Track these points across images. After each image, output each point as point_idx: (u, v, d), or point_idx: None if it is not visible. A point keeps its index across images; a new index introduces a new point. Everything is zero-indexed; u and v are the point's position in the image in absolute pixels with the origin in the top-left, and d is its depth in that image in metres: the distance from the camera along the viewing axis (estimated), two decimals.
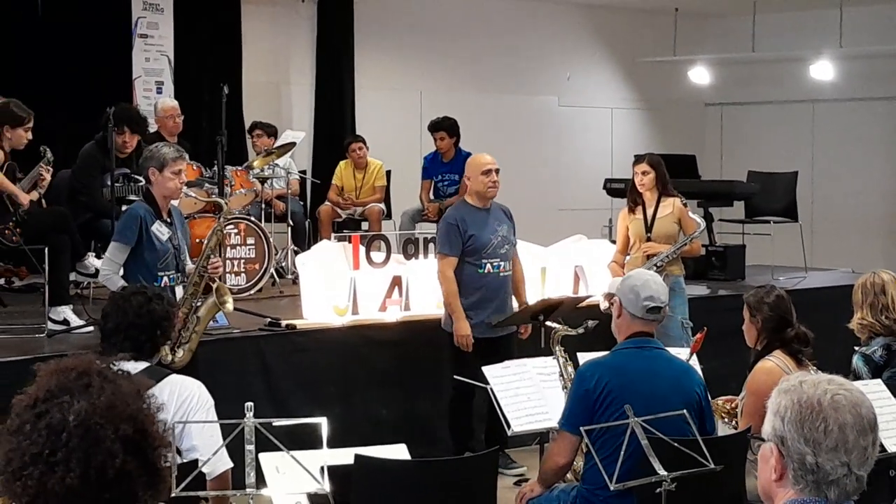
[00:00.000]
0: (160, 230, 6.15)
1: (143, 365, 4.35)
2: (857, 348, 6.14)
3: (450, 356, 7.17)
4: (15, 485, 2.17)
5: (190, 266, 6.37)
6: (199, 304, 6.18)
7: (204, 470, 3.99)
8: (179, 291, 6.22)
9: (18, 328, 7.18)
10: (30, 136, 7.26)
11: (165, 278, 6.16)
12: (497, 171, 7.19)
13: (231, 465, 4.26)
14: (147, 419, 2.26)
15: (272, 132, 10.94)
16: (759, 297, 5.57)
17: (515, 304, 7.35)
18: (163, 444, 2.27)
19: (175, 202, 6.55)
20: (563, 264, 8.64)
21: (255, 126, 10.98)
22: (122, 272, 6.11)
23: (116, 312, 4.47)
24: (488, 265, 7.14)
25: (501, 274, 7.19)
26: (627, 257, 8.07)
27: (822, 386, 2.36)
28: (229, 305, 6.28)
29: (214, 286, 6.24)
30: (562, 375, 5.80)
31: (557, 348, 5.92)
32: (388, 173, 11.13)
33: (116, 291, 4.93)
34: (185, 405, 4.30)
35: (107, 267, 6.10)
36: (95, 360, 2.32)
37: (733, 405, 5.72)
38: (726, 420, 5.64)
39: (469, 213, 7.20)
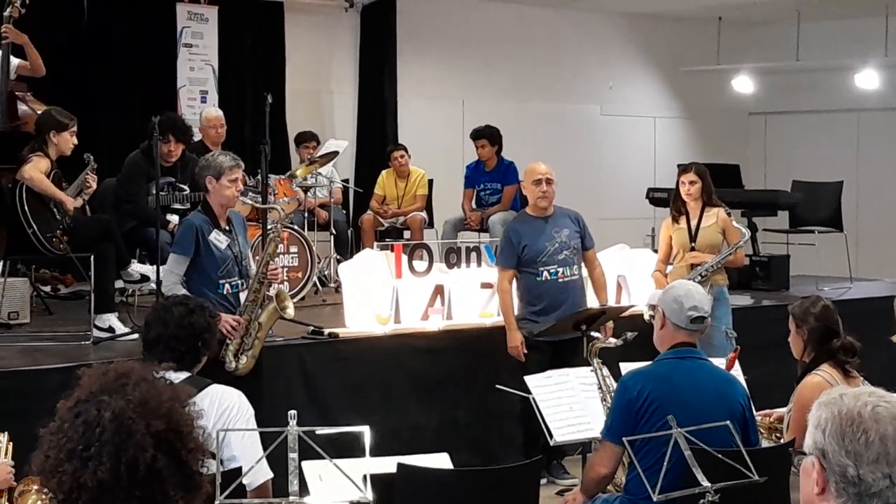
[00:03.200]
0: (218, 238, 6.19)
1: (184, 375, 4.37)
2: None
3: (517, 360, 7.19)
4: (52, 481, 2.23)
5: (255, 270, 6.41)
6: (260, 310, 6.21)
7: (243, 481, 4.00)
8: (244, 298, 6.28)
9: (64, 335, 7.24)
10: (75, 140, 7.31)
11: (227, 286, 6.21)
12: (549, 181, 7.25)
13: (271, 475, 4.26)
14: (182, 420, 2.29)
15: (317, 141, 11.00)
16: (804, 307, 5.53)
17: None
18: (198, 447, 2.30)
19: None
20: (606, 274, 8.60)
21: (310, 137, 10.99)
22: (183, 282, 6.15)
23: (158, 323, 4.51)
24: (545, 273, 7.20)
25: (560, 280, 7.22)
26: (670, 267, 8.04)
27: (862, 398, 2.35)
28: (290, 311, 6.31)
29: (274, 292, 6.28)
30: (600, 388, 5.78)
31: (595, 360, 5.89)
32: (431, 182, 11.15)
33: (160, 302, 4.95)
34: (226, 415, 4.31)
35: (168, 279, 6.17)
36: (138, 366, 2.37)
37: (772, 419, 5.69)
38: (765, 435, 5.60)
39: (525, 223, 7.34)
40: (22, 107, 8.07)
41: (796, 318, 5.53)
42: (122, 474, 2.19)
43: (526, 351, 7.21)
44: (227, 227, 6.29)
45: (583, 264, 7.46)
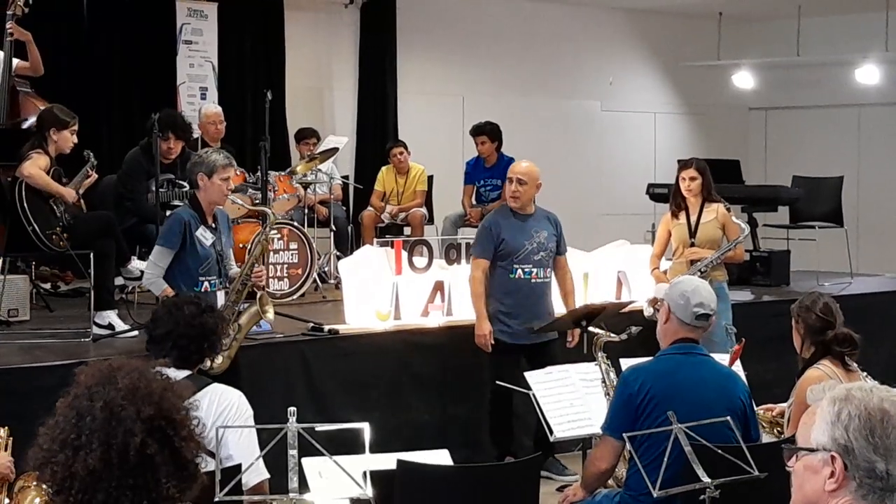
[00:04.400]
0: (204, 235, 6.18)
1: (184, 373, 4.36)
2: None
3: (489, 361, 7.19)
4: (46, 472, 2.27)
5: (235, 271, 6.40)
6: (241, 311, 6.21)
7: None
8: (221, 297, 6.24)
9: (64, 332, 7.23)
10: (75, 139, 7.30)
11: (206, 283, 6.20)
12: (519, 181, 7.18)
13: (267, 476, 4.25)
14: (174, 407, 2.30)
15: (317, 137, 11.00)
16: (803, 303, 5.53)
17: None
18: (192, 436, 2.31)
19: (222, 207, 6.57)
20: (606, 269, 8.61)
21: (310, 134, 10.98)
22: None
23: (168, 319, 4.48)
24: (519, 271, 7.16)
25: (534, 280, 7.19)
26: (667, 263, 8.04)
27: (875, 393, 2.34)
28: (270, 315, 6.30)
29: (257, 295, 6.27)
30: (604, 382, 5.78)
31: (600, 354, 5.90)
32: (431, 178, 11.15)
33: (170, 298, 4.91)
34: (224, 414, 4.30)
35: (150, 270, 6.17)
36: (136, 361, 2.39)
37: (774, 413, 5.69)
38: (766, 429, 5.61)
39: (506, 217, 7.27)
40: (23, 104, 8.06)
41: (794, 313, 5.54)
42: (113, 461, 2.20)
43: (493, 344, 7.19)
44: (213, 225, 6.28)
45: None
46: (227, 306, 6.16)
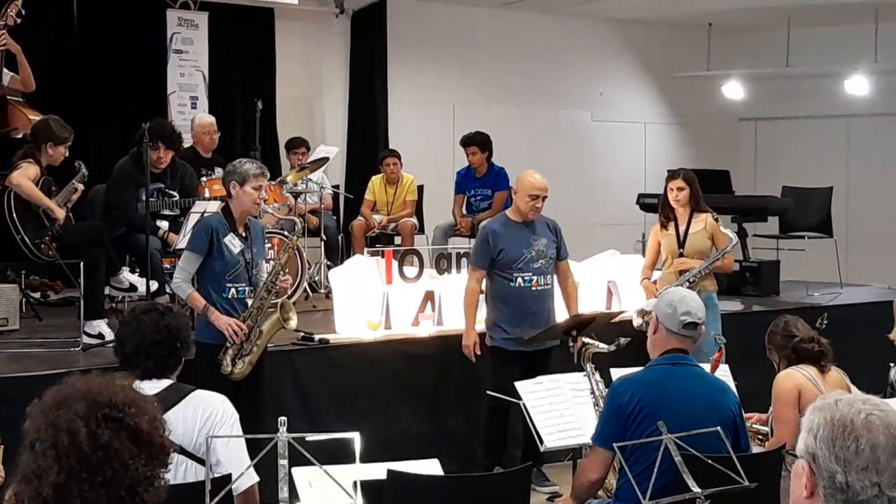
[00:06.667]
0: (232, 242, 6.22)
1: (166, 382, 4.34)
2: (892, 364, 6.15)
3: (489, 370, 7.19)
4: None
5: None
6: (263, 318, 6.23)
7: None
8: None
9: (54, 342, 7.23)
10: (67, 153, 7.35)
11: (233, 290, 6.24)
12: (545, 198, 7.21)
13: (257, 479, 4.25)
14: (109, 392, 2.34)
15: (307, 147, 11.00)
16: (769, 332, 5.79)
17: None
18: (142, 412, 2.32)
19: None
20: (596, 279, 8.62)
21: (300, 143, 10.98)
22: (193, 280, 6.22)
23: (133, 334, 4.40)
24: (519, 279, 7.16)
25: (534, 288, 7.18)
26: (657, 273, 8.04)
27: (856, 405, 2.35)
28: (293, 322, 6.33)
29: (279, 302, 6.28)
30: (592, 393, 5.78)
31: (588, 365, 5.90)
32: (421, 188, 11.15)
33: (127, 314, 4.85)
34: (211, 421, 4.28)
35: (178, 275, 6.22)
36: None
37: (753, 420, 5.77)
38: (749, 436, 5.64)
39: (505, 226, 7.26)
40: (12, 114, 8.06)
41: (766, 344, 5.78)
42: (74, 468, 2.25)
43: (478, 354, 7.23)
44: (244, 234, 6.30)
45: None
46: (250, 312, 6.21)
